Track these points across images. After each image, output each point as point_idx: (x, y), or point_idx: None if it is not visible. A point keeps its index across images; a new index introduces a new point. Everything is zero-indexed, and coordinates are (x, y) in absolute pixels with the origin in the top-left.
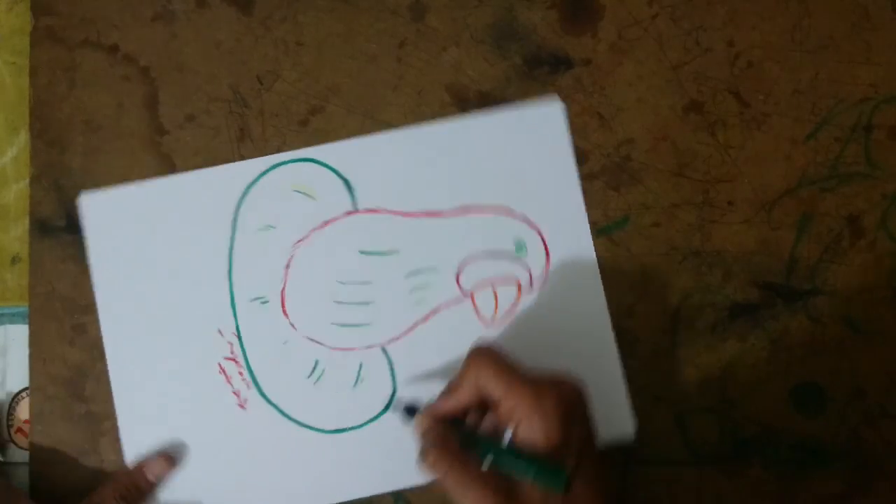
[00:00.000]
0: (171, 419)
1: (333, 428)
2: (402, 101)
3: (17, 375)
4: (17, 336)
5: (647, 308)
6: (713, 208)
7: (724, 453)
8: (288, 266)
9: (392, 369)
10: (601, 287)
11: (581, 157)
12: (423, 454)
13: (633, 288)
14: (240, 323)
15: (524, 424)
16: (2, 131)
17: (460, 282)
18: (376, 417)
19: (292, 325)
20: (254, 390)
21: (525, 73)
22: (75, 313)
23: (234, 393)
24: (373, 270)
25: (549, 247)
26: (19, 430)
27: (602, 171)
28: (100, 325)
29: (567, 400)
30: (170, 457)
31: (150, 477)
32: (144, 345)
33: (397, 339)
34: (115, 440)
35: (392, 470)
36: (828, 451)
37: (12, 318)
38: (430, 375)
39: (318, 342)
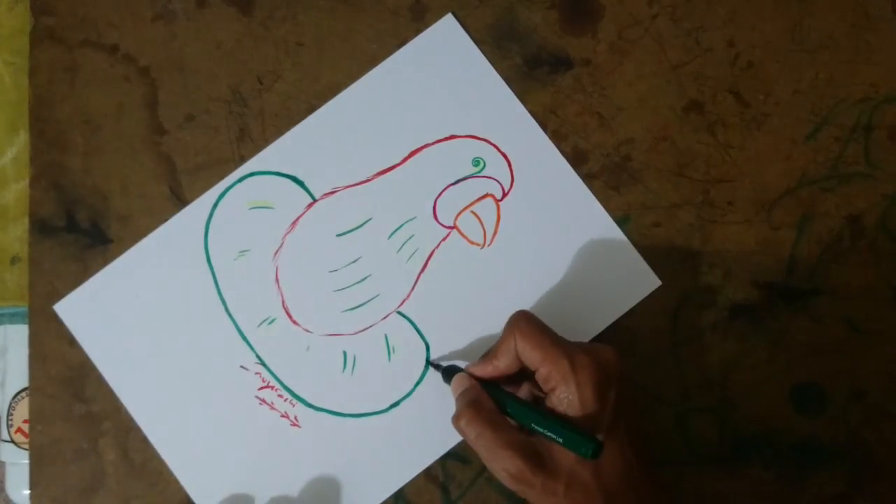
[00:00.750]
0: (234, 465)
1: (388, 405)
2: None
3: (16, 375)
4: (17, 336)
5: (647, 308)
6: (713, 208)
7: (724, 453)
8: (277, 279)
9: (416, 327)
10: (568, 165)
11: (581, 157)
12: (458, 415)
13: None
14: (258, 351)
15: (559, 390)
16: (2, 131)
17: (440, 219)
18: (421, 379)
19: (307, 331)
20: (300, 406)
21: (525, 73)
22: None
23: (283, 416)
24: (356, 246)
25: (503, 150)
26: (19, 429)
27: (602, 171)
28: (127, 410)
29: (602, 367)
30: None
31: None
32: (177, 410)
33: (407, 297)
34: (115, 440)
35: (447, 428)
36: (828, 451)
37: (12, 318)
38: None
39: (337, 335)
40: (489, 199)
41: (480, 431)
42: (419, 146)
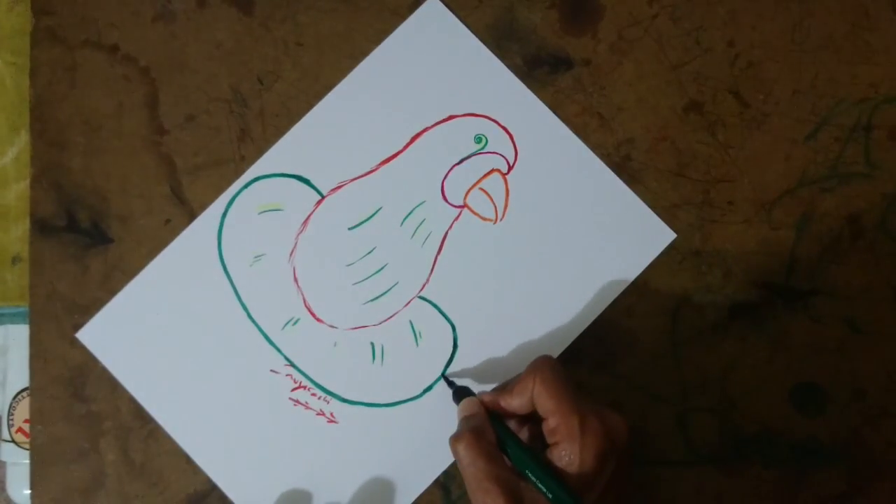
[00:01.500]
0: (277, 470)
1: (421, 391)
2: None
3: (17, 375)
4: (18, 336)
5: (647, 308)
6: (713, 208)
7: (724, 453)
8: (296, 279)
9: (439, 309)
10: (569, 131)
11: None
12: (458, 437)
13: (633, 288)
14: (286, 352)
15: (562, 446)
16: (2, 131)
17: (449, 200)
18: (450, 360)
19: (332, 326)
20: (334, 401)
21: (525, 73)
22: (75, 313)
23: (319, 414)
24: (370, 237)
25: (503, 124)
26: (20, 429)
27: None
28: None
29: (609, 436)
30: None
31: None
32: (214, 423)
33: (427, 281)
34: (116, 440)
35: None
36: (828, 451)
37: (13, 318)
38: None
39: (362, 327)
40: (496, 174)
41: (474, 459)
42: (419, 130)
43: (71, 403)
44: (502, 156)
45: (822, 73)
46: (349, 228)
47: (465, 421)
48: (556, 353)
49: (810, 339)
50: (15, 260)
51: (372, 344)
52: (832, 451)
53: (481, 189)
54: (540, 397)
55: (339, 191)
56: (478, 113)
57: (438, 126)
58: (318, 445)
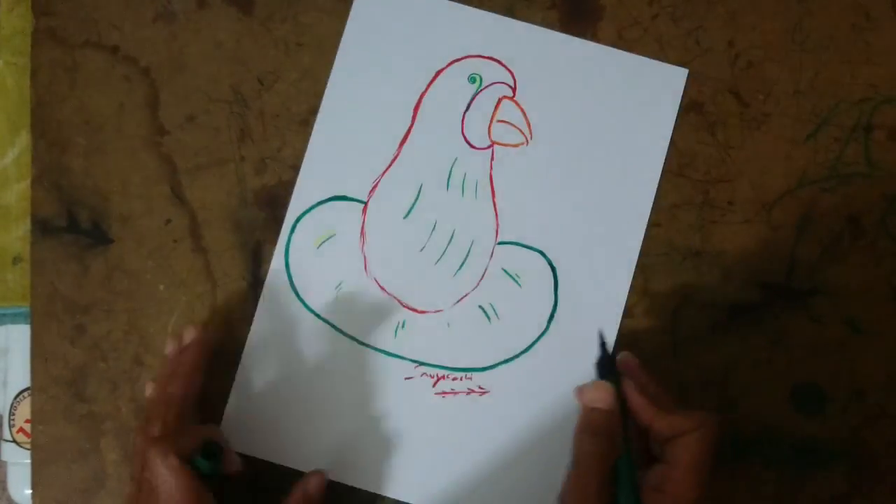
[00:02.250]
0: (457, 463)
1: (546, 321)
2: None
3: (18, 375)
4: (19, 336)
5: (647, 308)
6: (713, 208)
7: (724, 453)
8: (383, 287)
9: (522, 245)
10: (549, 31)
11: None
12: (594, 433)
13: (633, 288)
14: (410, 356)
15: (666, 500)
16: (3, 132)
17: (477, 146)
18: (556, 281)
19: (437, 311)
20: (476, 375)
21: None
22: (76, 313)
23: (470, 392)
24: (426, 216)
25: (488, 55)
26: (21, 429)
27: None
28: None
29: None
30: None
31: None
32: (377, 456)
33: (497, 225)
34: (116, 440)
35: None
36: (828, 451)
37: (14, 319)
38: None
39: (464, 296)
40: (505, 101)
41: (595, 474)
42: (418, 98)
43: (72, 403)
44: (502, 83)
45: (822, 73)
46: (403, 218)
47: (596, 414)
48: (641, 227)
49: (810, 339)
50: (16, 260)
51: (480, 307)
52: (832, 451)
53: (500, 121)
54: (686, 446)
55: (377, 189)
56: (459, 56)
57: (432, 86)
58: (481, 421)
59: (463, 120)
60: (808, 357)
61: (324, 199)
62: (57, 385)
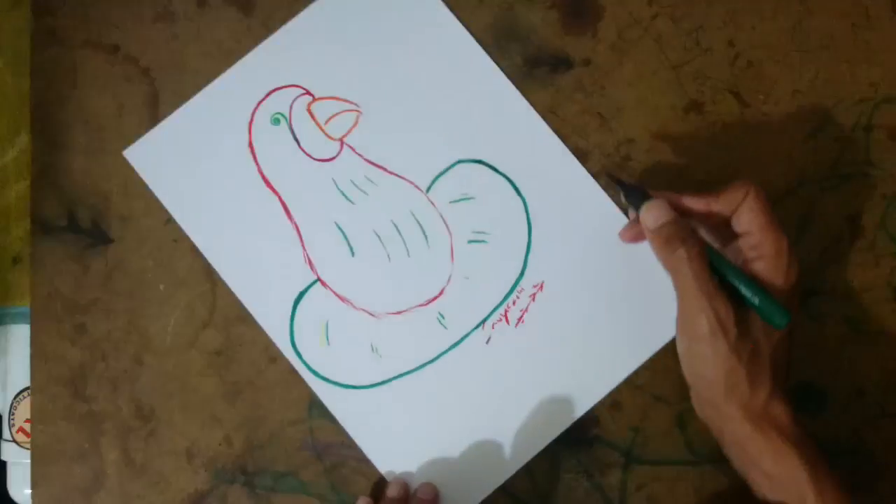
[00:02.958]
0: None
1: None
2: None
3: (18, 375)
4: (19, 336)
5: None
6: None
7: (724, 453)
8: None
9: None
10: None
11: (581, 157)
12: (678, 244)
13: None
14: (448, 356)
15: (766, 262)
16: (3, 132)
17: (331, 156)
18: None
19: (435, 297)
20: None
21: (525, 73)
22: (76, 313)
23: (522, 312)
24: (362, 237)
25: (280, 86)
26: (21, 429)
27: (602, 171)
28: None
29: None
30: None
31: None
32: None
33: (413, 186)
34: (116, 439)
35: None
36: (828, 451)
37: (14, 318)
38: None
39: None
40: (315, 104)
41: (699, 270)
42: (257, 172)
43: (72, 403)
44: (301, 95)
45: (822, 73)
46: (352, 256)
47: (671, 228)
48: None
49: (810, 338)
50: (16, 260)
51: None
52: (832, 451)
53: (327, 121)
54: (751, 211)
55: (314, 264)
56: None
57: (257, 156)
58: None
59: (302, 150)
60: (808, 357)
61: (296, 298)
62: (57, 385)
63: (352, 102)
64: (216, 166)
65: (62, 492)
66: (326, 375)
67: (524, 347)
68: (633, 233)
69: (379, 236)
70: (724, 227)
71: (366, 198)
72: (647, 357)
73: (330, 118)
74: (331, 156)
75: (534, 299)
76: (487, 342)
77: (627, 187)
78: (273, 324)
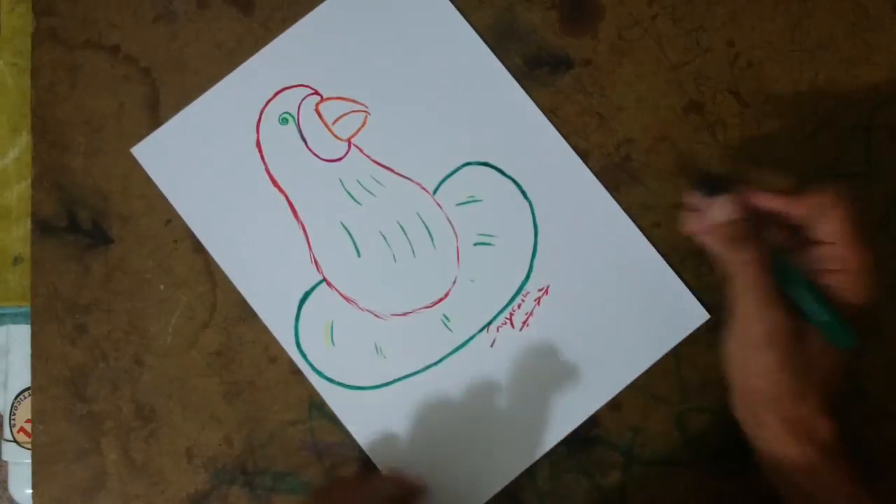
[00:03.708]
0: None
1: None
2: None
3: (19, 375)
4: (19, 336)
5: None
6: None
7: (724, 453)
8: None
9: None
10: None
11: (581, 157)
12: (740, 247)
13: None
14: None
15: (847, 277)
16: (3, 132)
17: (339, 157)
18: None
19: (439, 300)
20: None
21: (525, 73)
22: (76, 313)
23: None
24: (369, 237)
25: (289, 85)
26: (21, 429)
27: (602, 171)
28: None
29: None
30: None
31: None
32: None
33: (420, 189)
34: (117, 440)
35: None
36: None
37: (14, 319)
38: None
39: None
40: (323, 104)
41: (760, 276)
42: (265, 172)
43: (72, 403)
44: (309, 95)
45: (822, 73)
46: (358, 257)
47: (734, 227)
48: None
49: None
50: (16, 260)
51: (472, 281)
52: None
53: (335, 122)
54: (838, 220)
55: (320, 265)
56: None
57: (264, 154)
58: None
59: (310, 150)
60: None
61: (301, 298)
62: (57, 385)
63: (360, 103)
64: (224, 165)
65: (63, 492)
66: (330, 376)
67: (528, 351)
68: (701, 223)
69: (385, 237)
70: (793, 231)
71: (373, 199)
72: (651, 363)
73: (338, 118)
74: (338, 156)
75: (539, 303)
76: (492, 345)
77: (702, 178)
78: (278, 323)
